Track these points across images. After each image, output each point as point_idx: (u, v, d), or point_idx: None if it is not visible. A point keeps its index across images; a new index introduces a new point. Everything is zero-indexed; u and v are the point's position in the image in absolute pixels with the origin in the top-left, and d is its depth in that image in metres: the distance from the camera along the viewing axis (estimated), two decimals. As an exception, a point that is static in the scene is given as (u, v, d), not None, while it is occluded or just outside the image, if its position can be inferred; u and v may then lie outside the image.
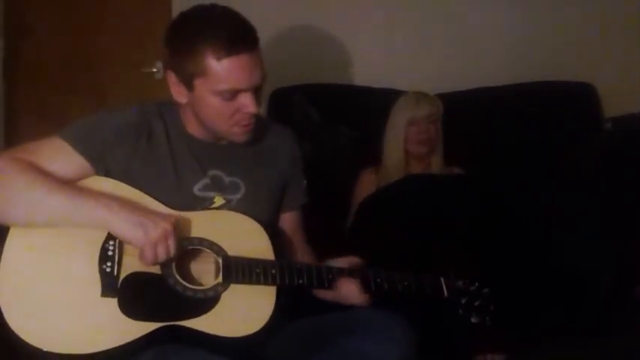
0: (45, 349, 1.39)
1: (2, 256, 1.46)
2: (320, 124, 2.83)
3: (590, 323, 2.04)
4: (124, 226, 1.48)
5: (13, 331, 1.39)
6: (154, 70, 3.23)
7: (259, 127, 1.76)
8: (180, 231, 1.54)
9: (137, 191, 1.60)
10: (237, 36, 1.57)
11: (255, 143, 1.79)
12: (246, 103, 1.60)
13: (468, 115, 2.80)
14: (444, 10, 3.07)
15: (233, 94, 1.59)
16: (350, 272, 1.68)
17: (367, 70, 3.04)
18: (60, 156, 1.57)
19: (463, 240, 2.16)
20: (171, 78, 1.65)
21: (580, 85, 2.89)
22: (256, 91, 1.63)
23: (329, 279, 1.65)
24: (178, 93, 1.65)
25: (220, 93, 1.59)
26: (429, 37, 3.08)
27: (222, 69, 1.56)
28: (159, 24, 3.14)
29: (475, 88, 2.91)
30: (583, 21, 3.01)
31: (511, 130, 2.81)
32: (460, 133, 2.73)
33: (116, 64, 3.29)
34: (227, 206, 1.71)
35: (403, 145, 2.65)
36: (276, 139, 1.86)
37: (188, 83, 1.61)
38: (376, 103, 2.80)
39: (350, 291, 1.66)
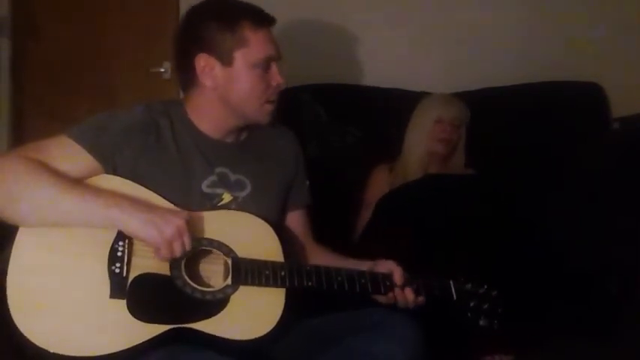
0: (52, 351, 1.38)
1: (11, 256, 1.45)
2: (328, 124, 2.82)
3: (599, 323, 2.04)
4: (138, 225, 1.49)
5: (20, 332, 1.39)
6: (162, 70, 3.24)
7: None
8: (190, 230, 1.54)
9: (145, 190, 1.61)
10: (265, 13, 1.74)
11: (260, 142, 1.84)
12: (276, 74, 1.74)
13: (474, 115, 2.79)
14: (451, 10, 3.06)
15: (267, 64, 1.72)
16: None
17: (375, 70, 3.04)
18: (68, 155, 1.58)
19: (474, 240, 2.17)
20: (202, 60, 1.70)
21: (588, 86, 2.87)
22: None
23: (339, 281, 1.65)
24: (208, 75, 1.71)
25: (258, 64, 1.70)
26: (436, 37, 3.07)
27: (259, 38, 1.70)
28: (166, 24, 3.20)
29: (482, 88, 2.89)
30: (591, 21, 2.99)
31: (518, 130, 2.79)
32: (466, 134, 2.73)
33: (124, 64, 3.29)
34: (235, 203, 1.72)
35: (427, 143, 2.64)
36: (280, 139, 1.90)
37: (227, 58, 1.69)
38: (384, 103, 2.81)
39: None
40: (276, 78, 1.74)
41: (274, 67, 1.74)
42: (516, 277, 2.09)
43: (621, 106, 2.87)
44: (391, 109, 2.78)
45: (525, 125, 2.80)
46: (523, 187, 2.51)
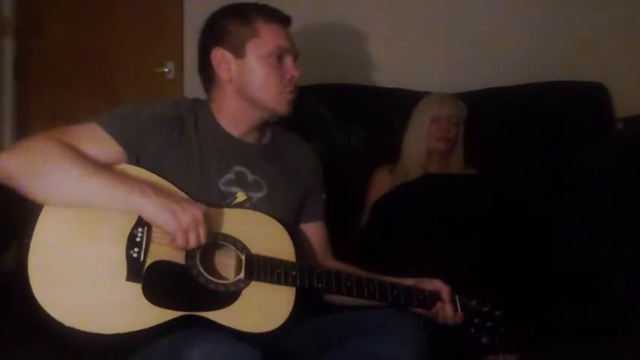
0: (67, 325, 1.40)
1: (34, 232, 1.47)
2: (332, 124, 2.83)
3: (603, 323, 2.05)
4: (157, 211, 1.50)
5: (39, 304, 1.41)
6: (166, 70, 3.25)
7: (282, 133, 1.90)
8: (207, 223, 1.56)
9: (164, 182, 1.63)
10: (279, 11, 1.80)
11: (280, 150, 1.87)
12: (290, 67, 1.77)
13: (479, 115, 2.80)
14: (456, 11, 3.08)
15: (280, 56, 1.76)
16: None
17: (380, 70, 3.05)
18: (95, 140, 1.61)
19: (475, 239, 2.17)
20: (218, 55, 1.76)
21: (592, 86, 2.87)
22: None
23: (347, 286, 1.67)
24: (225, 69, 1.76)
25: (269, 54, 1.74)
26: (441, 37, 3.08)
27: (270, 30, 1.75)
28: (170, 25, 3.22)
29: (487, 88, 2.91)
30: (595, 21, 3.00)
31: (523, 129, 2.80)
32: (471, 133, 2.73)
33: (127, 64, 3.31)
34: (249, 203, 1.73)
35: (425, 142, 2.66)
36: (297, 149, 1.94)
37: (239, 50, 1.75)
38: (389, 103, 2.81)
39: None
40: (290, 70, 1.76)
41: (288, 60, 1.77)
42: (521, 277, 2.10)
43: (625, 106, 2.87)
44: (396, 109, 2.77)
45: (529, 125, 2.81)
46: (527, 187, 2.51)
